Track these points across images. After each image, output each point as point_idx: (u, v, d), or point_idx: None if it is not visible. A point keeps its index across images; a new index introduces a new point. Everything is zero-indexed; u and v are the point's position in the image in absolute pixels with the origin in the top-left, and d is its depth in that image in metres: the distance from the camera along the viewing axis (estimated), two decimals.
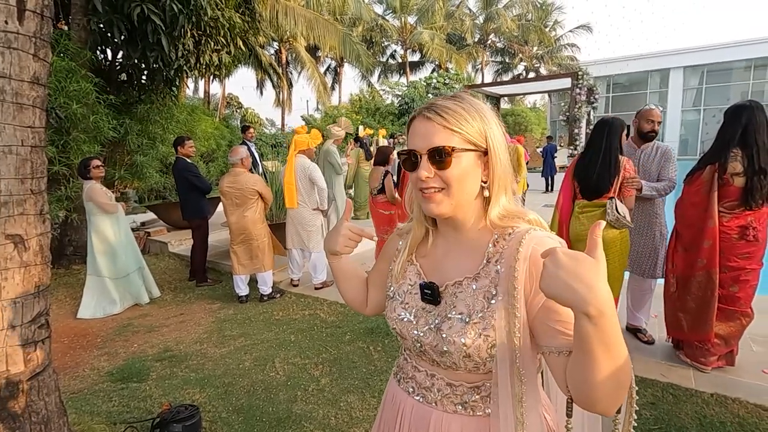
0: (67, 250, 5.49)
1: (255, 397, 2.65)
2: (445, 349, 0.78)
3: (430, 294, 0.83)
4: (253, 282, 4.49)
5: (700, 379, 2.59)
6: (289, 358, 3.12)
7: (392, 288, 0.92)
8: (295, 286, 4.68)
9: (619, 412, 0.77)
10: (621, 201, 2.69)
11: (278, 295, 4.43)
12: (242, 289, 4.35)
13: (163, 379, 2.90)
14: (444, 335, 0.78)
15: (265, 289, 4.35)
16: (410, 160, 0.78)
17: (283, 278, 4.83)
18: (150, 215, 7.40)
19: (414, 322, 0.85)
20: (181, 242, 6.22)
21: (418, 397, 0.87)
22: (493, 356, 0.75)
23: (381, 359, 3.02)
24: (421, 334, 0.83)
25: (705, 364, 2.66)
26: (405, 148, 0.81)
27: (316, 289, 4.50)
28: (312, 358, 3.10)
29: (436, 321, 0.81)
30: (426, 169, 0.76)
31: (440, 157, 0.75)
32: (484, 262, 0.80)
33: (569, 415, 0.78)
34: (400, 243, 0.95)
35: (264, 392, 2.70)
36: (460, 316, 0.78)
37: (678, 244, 2.74)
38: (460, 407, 0.81)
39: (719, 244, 2.51)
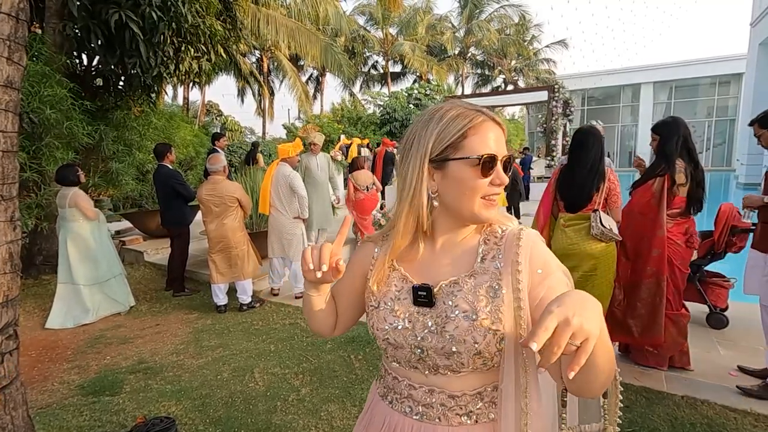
0: (37, 260, 5.30)
1: (233, 408, 2.60)
2: (454, 349, 0.76)
3: (426, 296, 0.81)
4: (232, 291, 4.41)
5: (671, 382, 2.67)
6: (269, 368, 3.07)
7: (374, 298, 0.87)
8: (275, 295, 4.63)
9: (605, 396, 0.81)
10: (606, 213, 2.64)
11: (258, 304, 4.36)
12: (221, 299, 4.27)
13: (137, 392, 2.81)
14: (450, 335, 0.76)
15: (245, 298, 4.28)
16: (485, 164, 0.76)
17: (262, 287, 4.77)
18: (125, 223, 7.21)
19: (410, 328, 0.81)
20: (157, 251, 6.07)
21: (417, 416, 0.83)
22: (500, 350, 0.76)
23: (362, 368, 3.01)
24: (421, 339, 0.79)
25: (660, 365, 2.79)
26: (486, 152, 0.76)
27: (296, 298, 4.46)
28: (292, 367, 3.06)
29: (437, 322, 0.79)
30: (502, 175, 0.79)
31: (508, 164, 0.80)
32: (479, 260, 0.82)
33: (564, 404, 0.83)
34: (376, 251, 0.91)
35: (243, 403, 2.65)
36: (464, 315, 0.77)
37: (620, 253, 2.76)
38: (465, 418, 0.80)
39: (667, 250, 2.66)
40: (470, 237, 0.85)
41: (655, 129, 2.78)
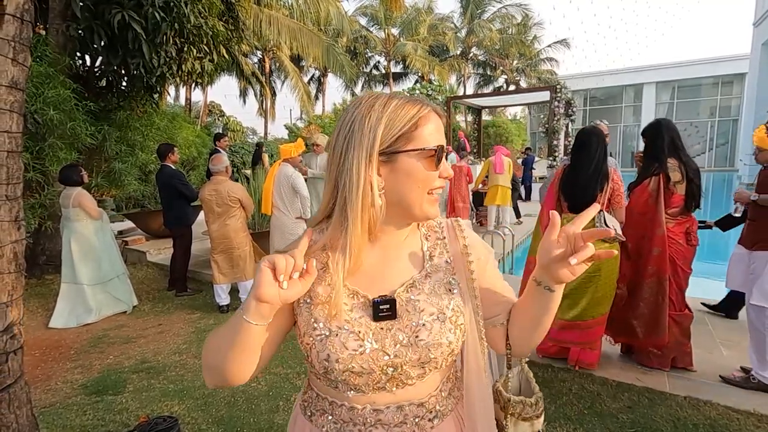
0: (40, 260, 5.32)
1: (236, 408, 2.61)
2: (431, 356, 0.72)
3: (389, 308, 0.73)
4: (234, 291, 4.43)
5: (674, 383, 2.67)
6: (271, 368, 3.08)
7: (321, 325, 0.72)
8: None
9: None
10: (610, 213, 2.66)
11: None
12: (223, 299, 4.28)
13: (140, 392, 2.82)
14: (425, 343, 0.72)
15: None
16: (434, 158, 0.72)
17: None
18: (128, 224, 7.24)
19: (380, 348, 0.71)
20: (159, 251, 6.10)
21: None
22: (464, 341, 0.78)
23: None
24: (395, 356, 0.71)
25: (663, 366, 2.78)
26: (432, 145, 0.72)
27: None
28: (294, 367, 3.07)
29: (407, 333, 0.73)
30: (449, 168, 0.75)
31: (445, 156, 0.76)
32: (427, 258, 0.80)
33: (510, 367, 0.90)
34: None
35: (245, 403, 2.65)
36: (433, 317, 0.74)
37: (622, 254, 2.77)
38: (436, 420, 0.77)
39: (668, 249, 2.66)
40: (411, 236, 0.82)
41: (643, 133, 2.85)
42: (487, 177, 7.67)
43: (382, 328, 0.73)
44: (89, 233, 4.16)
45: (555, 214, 0.69)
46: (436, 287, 0.77)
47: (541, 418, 0.89)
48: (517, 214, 8.43)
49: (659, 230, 2.64)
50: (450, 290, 0.78)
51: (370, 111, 0.70)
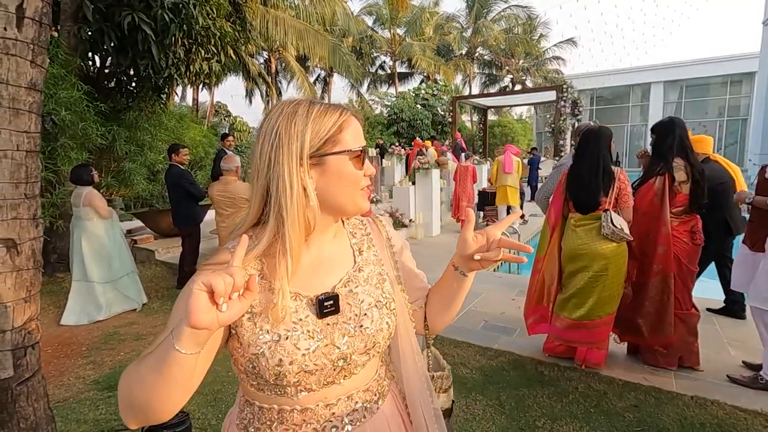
0: (52, 258, 5.40)
1: None
2: (375, 341, 0.79)
3: (333, 304, 0.76)
4: None
5: (680, 382, 2.67)
6: None
7: (267, 332, 0.71)
8: None
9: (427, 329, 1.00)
10: (617, 213, 2.66)
11: None
12: None
13: None
14: (371, 330, 0.78)
15: None
16: (360, 158, 0.78)
17: None
18: (136, 223, 7.32)
19: (329, 342, 0.74)
20: (168, 250, 6.16)
21: (347, 427, 0.79)
22: (396, 324, 0.85)
23: None
24: (345, 348, 0.75)
25: (670, 365, 2.79)
26: (355, 146, 0.77)
27: None
28: None
29: (352, 324, 0.77)
30: (371, 166, 0.82)
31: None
32: (357, 253, 0.86)
33: (428, 345, 1.00)
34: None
35: None
36: (370, 306, 0.80)
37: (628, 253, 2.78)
38: (380, 400, 0.84)
39: (673, 248, 2.67)
40: (339, 234, 0.86)
41: (653, 129, 2.85)
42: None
43: (328, 324, 0.76)
44: (100, 232, 4.22)
45: (470, 212, 0.83)
46: (369, 278, 0.84)
47: (452, 389, 1.03)
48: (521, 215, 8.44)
49: (664, 229, 2.65)
50: (381, 280, 0.85)
51: (294, 117, 0.73)
